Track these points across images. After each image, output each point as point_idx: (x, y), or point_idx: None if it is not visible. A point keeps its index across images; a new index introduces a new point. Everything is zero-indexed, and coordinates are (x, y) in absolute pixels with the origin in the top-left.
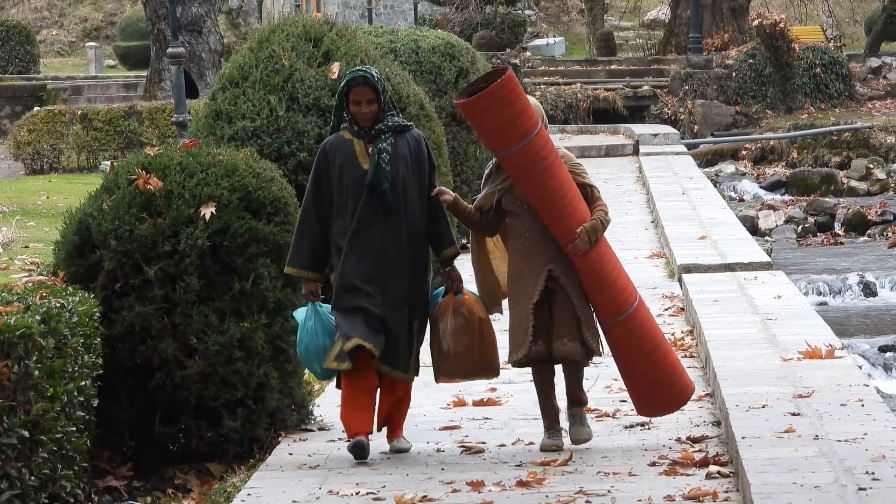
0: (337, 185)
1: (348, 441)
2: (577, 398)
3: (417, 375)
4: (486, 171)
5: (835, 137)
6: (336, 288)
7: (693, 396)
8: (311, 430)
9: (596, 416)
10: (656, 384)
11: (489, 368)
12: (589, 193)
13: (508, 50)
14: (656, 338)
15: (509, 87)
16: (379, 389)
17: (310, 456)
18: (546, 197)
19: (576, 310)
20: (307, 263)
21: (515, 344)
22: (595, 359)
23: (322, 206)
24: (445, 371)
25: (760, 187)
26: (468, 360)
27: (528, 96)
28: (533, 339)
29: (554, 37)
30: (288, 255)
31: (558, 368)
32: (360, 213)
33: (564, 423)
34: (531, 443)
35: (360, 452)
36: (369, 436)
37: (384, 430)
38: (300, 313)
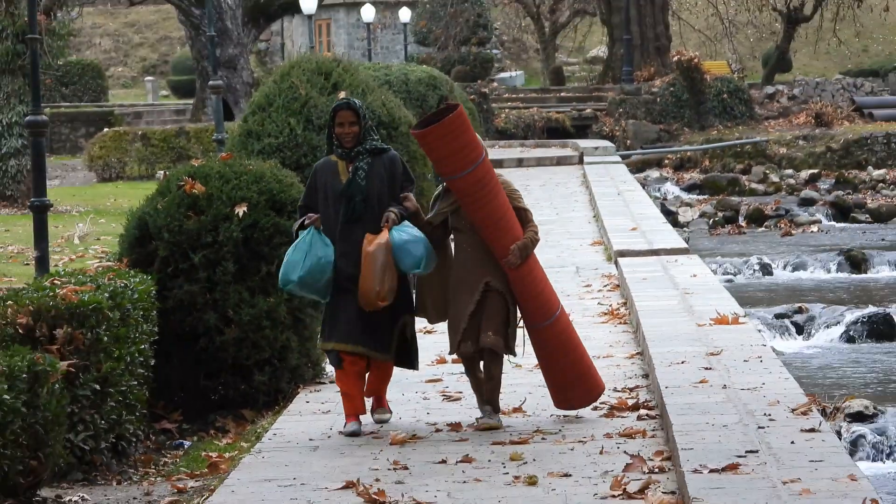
0: (322, 199)
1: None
2: (492, 392)
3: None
4: (436, 194)
5: (738, 149)
6: (323, 289)
7: (625, 354)
8: (324, 383)
9: None
10: (573, 380)
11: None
12: (523, 216)
13: (479, 81)
14: (574, 341)
15: (459, 121)
16: (368, 369)
17: (322, 404)
18: (487, 217)
19: (505, 308)
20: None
21: (451, 342)
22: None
23: (309, 212)
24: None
25: (680, 189)
26: (364, 291)
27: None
28: (462, 339)
29: (515, 71)
30: (291, 228)
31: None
32: (342, 221)
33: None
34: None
35: (353, 434)
36: (360, 416)
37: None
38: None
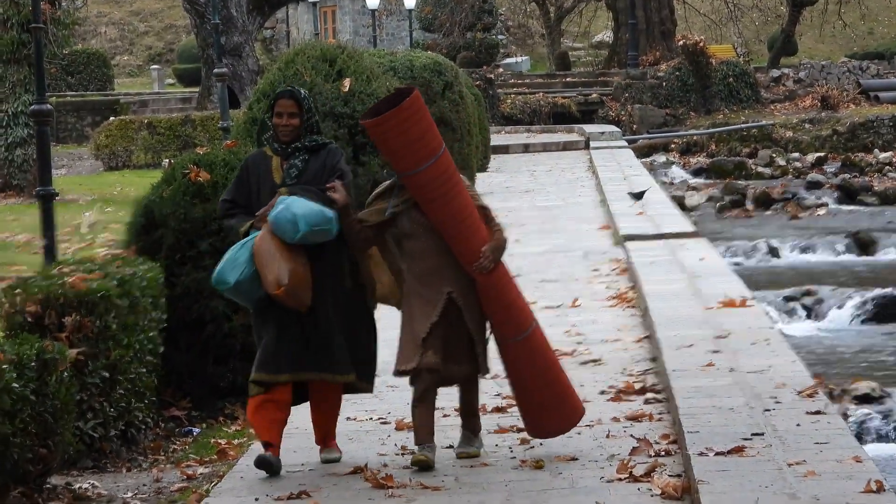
0: (256, 196)
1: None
2: (470, 418)
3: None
4: (379, 190)
5: (745, 133)
6: (256, 300)
7: (633, 338)
8: None
9: (559, 355)
10: (548, 405)
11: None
12: (483, 214)
13: (485, 67)
14: (550, 360)
15: (414, 108)
16: (310, 401)
17: None
18: (451, 217)
19: (470, 333)
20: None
21: (405, 356)
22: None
23: (236, 207)
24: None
25: (687, 173)
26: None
27: None
28: (423, 351)
29: (521, 56)
30: (240, 222)
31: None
32: None
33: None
34: (496, 375)
35: (267, 467)
36: (274, 448)
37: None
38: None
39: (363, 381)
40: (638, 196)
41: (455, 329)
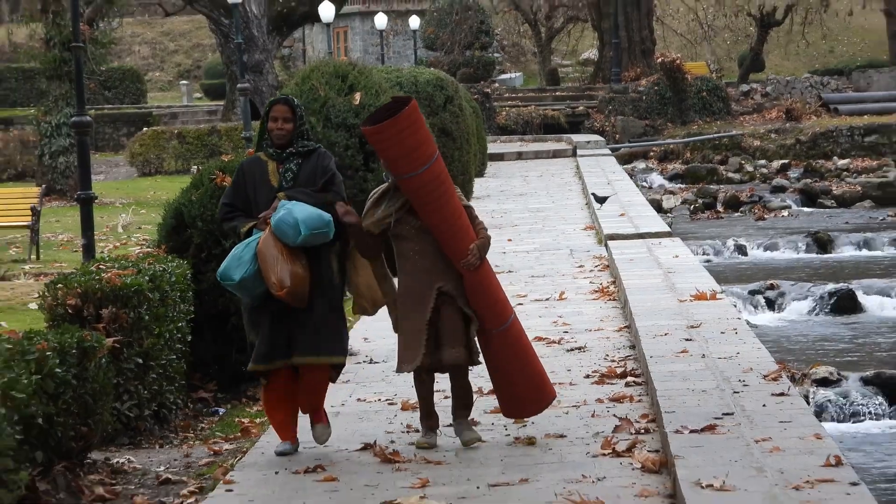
0: (254, 200)
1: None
2: (464, 407)
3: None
4: (374, 196)
5: (717, 142)
6: (257, 295)
7: (614, 328)
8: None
9: (545, 344)
10: (523, 388)
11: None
12: (469, 213)
13: (482, 82)
14: (526, 348)
15: (414, 116)
16: (300, 382)
17: (343, 375)
18: (445, 218)
19: (463, 316)
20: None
21: (408, 356)
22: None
23: (235, 210)
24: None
25: (664, 178)
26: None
27: None
28: (425, 351)
29: (514, 72)
30: (240, 224)
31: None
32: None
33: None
34: None
35: (286, 453)
36: (295, 438)
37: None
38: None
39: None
40: (600, 200)
41: (449, 315)
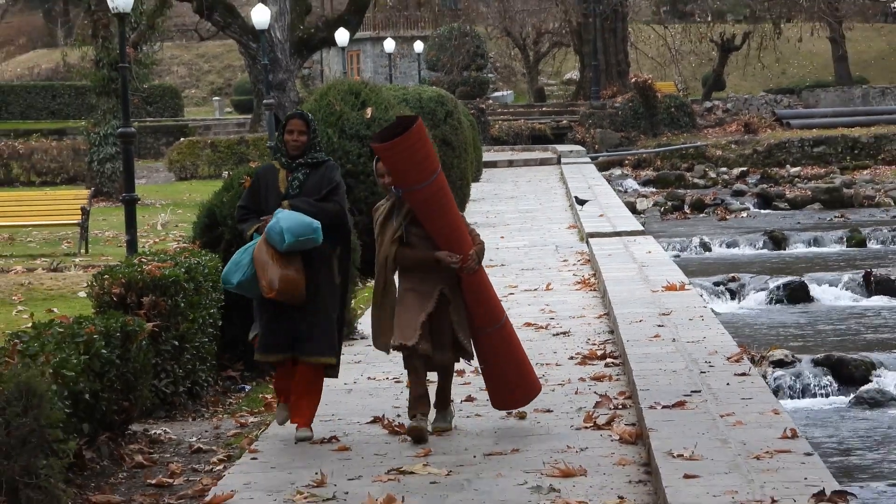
0: (265, 204)
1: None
2: (445, 400)
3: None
4: (381, 215)
5: (683, 152)
6: (257, 294)
7: (595, 315)
8: (356, 339)
9: (534, 329)
10: (514, 383)
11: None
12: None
13: (478, 99)
14: (516, 345)
15: (421, 133)
16: (293, 383)
17: (354, 355)
18: (447, 225)
19: (453, 325)
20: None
21: (405, 334)
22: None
23: (249, 212)
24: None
25: (637, 183)
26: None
27: None
28: (420, 338)
29: (506, 90)
30: (246, 226)
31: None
32: None
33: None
34: None
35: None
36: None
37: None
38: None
39: (334, 356)
40: (581, 202)
41: (441, 322)
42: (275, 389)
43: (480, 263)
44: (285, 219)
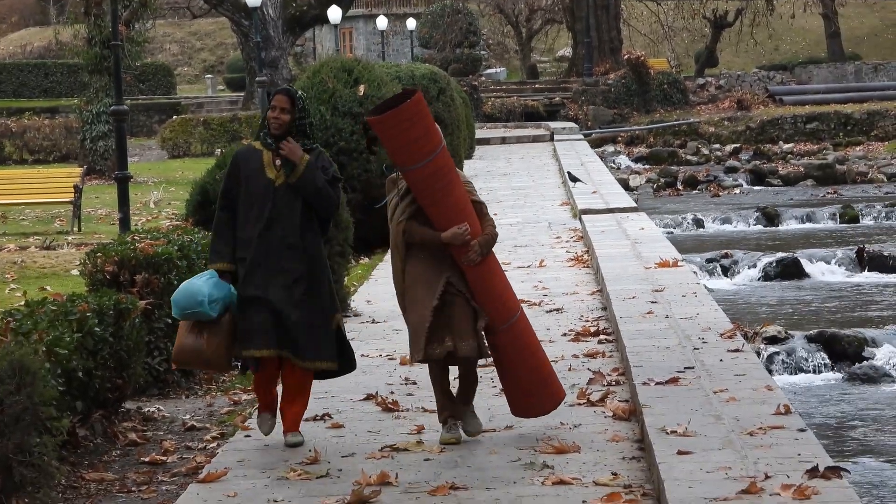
0: (244, 194)
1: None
2: (467, 399)
3: (334, 364)
4: (396, 196)
5: (676, 128)
6: (239, 289)
7: (588, 291)
8: (349, 316)
9: (528, 305)
10: (532, 387)
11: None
12: (479, 209)
13: (470, 76)
14: (533, 345)
15: (418, 108)
16: (281, 377)
17: (348, 333)
18: (445, 211)
19: (471, 309)
20: (231, 259)
21: (416, 346)
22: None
23: (231, 211)
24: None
25: (630, 160)
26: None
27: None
28: (428, 341)
29: (499, 67)
30: (211, 254)
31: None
32: (267, 218)
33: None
34: None
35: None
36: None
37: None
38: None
39: (345, 366)
40: (574, 179)
41: (458, 307)
42: (256, 393)
43: (485, 255)
44: (179, 291)
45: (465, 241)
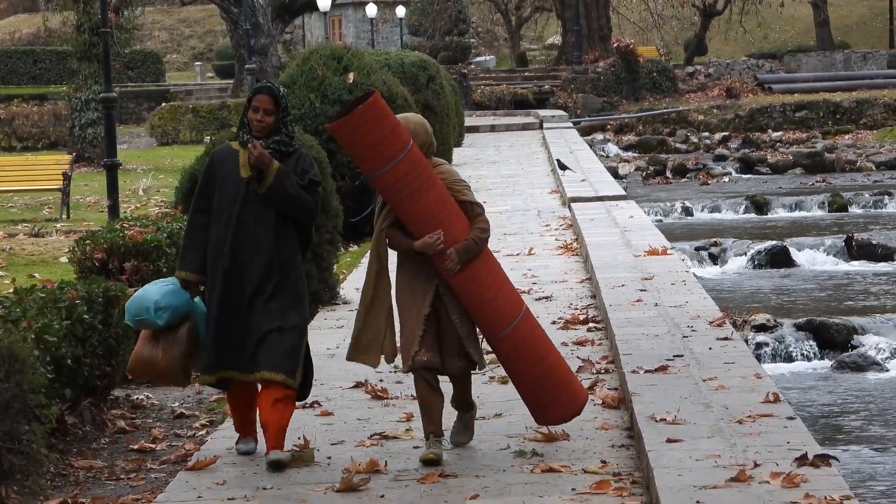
0: (218, 195)
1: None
2: (466, 404)
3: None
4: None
5: (665, 116)
6: (209, 298)
7: (577, 279)
8: (338, 304)
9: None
10: (547, 393)
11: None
12: (469, 210)
13: (460, 64)
14: (544, 348)
15: (372, 112)
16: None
17: (337, 321)
18: (417, 219)
19: (456, 328)
20: (199, 269)
21: (406, 354)
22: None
23: (206, 213)
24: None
25: (619, 148)
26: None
27: (415, 116)
28: (418, 349)
29: (488, 55)
30: (179, 260)
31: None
32: (236, 219)
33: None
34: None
35: (247, 453)
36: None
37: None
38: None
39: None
40: (562, 168)
41: (445, 324)
42: (232, 418)
43: (467, 262)
44: (134, 297)
45: (438, 251)
